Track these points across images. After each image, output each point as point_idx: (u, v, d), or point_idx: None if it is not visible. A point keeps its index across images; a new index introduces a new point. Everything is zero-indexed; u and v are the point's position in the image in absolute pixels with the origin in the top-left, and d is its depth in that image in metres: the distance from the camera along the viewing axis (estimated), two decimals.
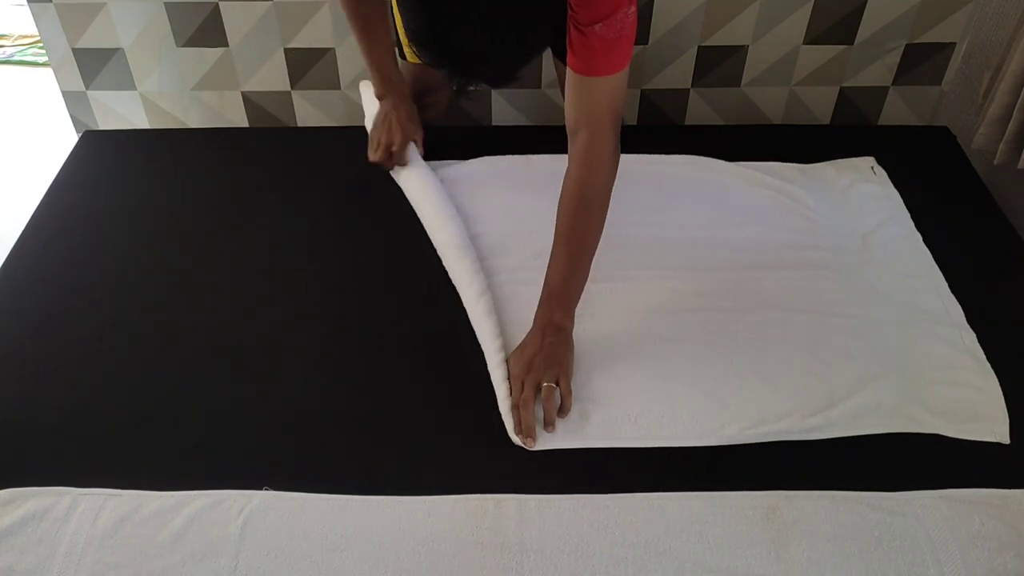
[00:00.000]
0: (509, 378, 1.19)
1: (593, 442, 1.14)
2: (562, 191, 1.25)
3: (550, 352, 1.18)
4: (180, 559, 1.00)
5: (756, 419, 1.15)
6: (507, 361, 1.22)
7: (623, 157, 1.64)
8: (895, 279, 1.39)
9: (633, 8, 1.11)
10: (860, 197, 1.56)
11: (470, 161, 1.65)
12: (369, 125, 1.63)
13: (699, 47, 1.87)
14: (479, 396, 1.19)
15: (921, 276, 1.39)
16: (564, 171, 1.26)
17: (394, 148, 1.56)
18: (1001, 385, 1.21)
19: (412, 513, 1.05)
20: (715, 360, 1.24)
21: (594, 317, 1.30)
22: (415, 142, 1.59)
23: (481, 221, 1.50)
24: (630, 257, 1.40)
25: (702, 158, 1.60)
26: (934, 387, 1.20)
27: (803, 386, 1.20)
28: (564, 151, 1.68)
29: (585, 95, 1.18)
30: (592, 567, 1.00)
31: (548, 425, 1.14)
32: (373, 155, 1.58)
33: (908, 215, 1.52)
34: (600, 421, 1.16)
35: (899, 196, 1.56)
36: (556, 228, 1.25)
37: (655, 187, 1.55)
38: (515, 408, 1.16)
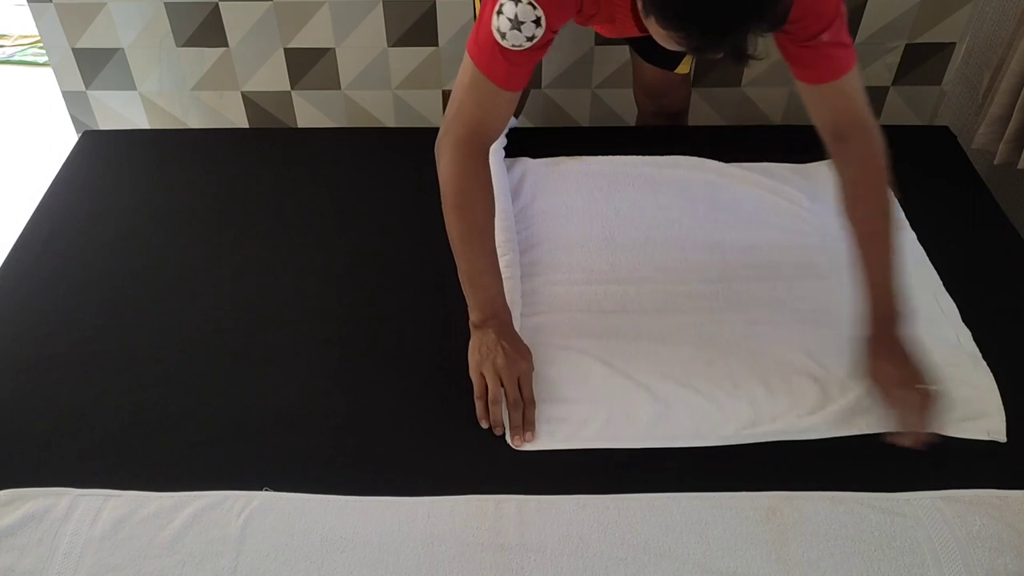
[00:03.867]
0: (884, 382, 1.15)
1: (591, 443, 1.14)
2: (852, 195, 1.22)
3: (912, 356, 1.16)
4: (180, 560, 1.00)
5: (752, 419, 1.15)
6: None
7: (613, 159, 1.63)
8: None
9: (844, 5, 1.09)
10: None
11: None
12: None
13: None
14: None
15: (915, 275, 1.39)
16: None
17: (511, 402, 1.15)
18: (997, 383, 1.20)
19: (412, 514, 1.05)
20: (710, 361, 1.23)
21: (590, 319, 1.30)
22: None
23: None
24: (624, 259, 1.40)
25: (695, 159, 1.60)
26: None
27: (798, 386, 1.19)
28: (564, 153, 1.68)
29: (839, 99, 1.18)
30: (592, 568, 0.99)
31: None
32: (484, 413, 1.15)
33: (902, 213, 1.52)
34: (598, 422, 1.15)
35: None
36: (861, 229, 1.22)
37: (648, 189, 1.55)
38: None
